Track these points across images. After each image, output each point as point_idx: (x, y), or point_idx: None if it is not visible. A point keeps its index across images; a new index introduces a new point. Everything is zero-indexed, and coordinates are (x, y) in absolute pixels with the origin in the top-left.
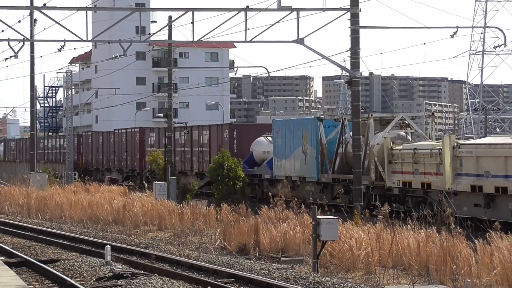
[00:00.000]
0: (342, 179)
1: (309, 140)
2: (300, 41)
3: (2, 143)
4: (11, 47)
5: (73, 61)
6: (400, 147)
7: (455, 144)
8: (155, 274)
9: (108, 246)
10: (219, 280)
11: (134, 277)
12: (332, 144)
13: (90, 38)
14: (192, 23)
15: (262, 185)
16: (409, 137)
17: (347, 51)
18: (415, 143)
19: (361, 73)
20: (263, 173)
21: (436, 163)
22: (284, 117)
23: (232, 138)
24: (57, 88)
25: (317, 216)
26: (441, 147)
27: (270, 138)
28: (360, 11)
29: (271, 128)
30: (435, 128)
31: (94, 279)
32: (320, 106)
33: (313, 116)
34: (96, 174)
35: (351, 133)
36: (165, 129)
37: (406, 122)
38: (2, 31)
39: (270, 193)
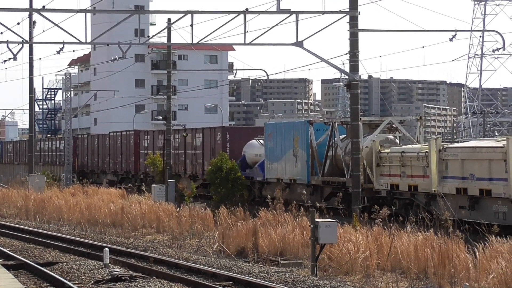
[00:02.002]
0: (332, 181)
1: (300, 143)
2: (299, 44)
3: None
4: (10, 49)
5: (72, 63)
6: (388, 150)
7: (441, 147)
8: (154, 277)
9: (106, 248)
10: (218, 283)
11: (132, 280)
12: (322, 147)
13: (89, 40)
14: (191, 25)
15: (254, 187)
16: (397, 140)
17: (346, 54)
18: (403, 147)
19: (360, 76)
20: (255, 175)
21: (422, 166)
22: (283, 119)
23: (224, 141)
24: (56, 90)
25: (316, 219)
26: (427, 150)
27: (262, 141)
28: (359, 14)
29: (263, 131)
30: (433, 131)
31: (93, 281)
32: (319, 109)
33: (303, 120)
34: (92, 176)
35: (340, 136)
36: (159, 132)
37: (395, 126)
38: (1, 33)
39: (269, 196)
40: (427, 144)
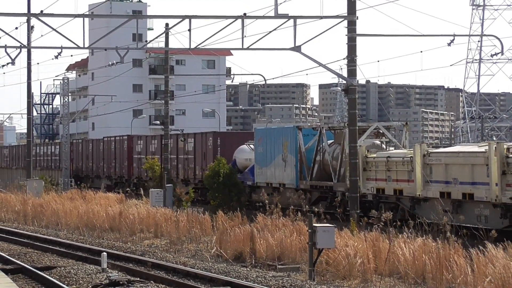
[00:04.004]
0: (320, 185)
1: (289, 148)
2: (297, 48)
3: None
4: (8, 54)
5: (70, 68)
6: (374, 155)
7: (426, 152)
8: (151, 282)
9: (104, 253)
10: (215, 287)
11: (130, 285)
12: (310, 152)
13: (87, 45)
14: (189, 30)
15: (244, 191)
16: (383, 145)
17: (344, 58)
18: (388, 152)
19: (357, 81)
20: (245, 180)
21: (407, 171)
22: (280, 125)
23: (216, 145)
24: (53, 95)
25: (314, 224)
26: (412, 155)
27: (252, 146)
28: (357, 19)
29: (253, 136)
30: (431, 136)
31: (90, 286)
32: (316, 114)
33: (292, 125)
34: (87, 181)
35: (328, 141)
36: (152, 137)
37: (381, 131)
38: None
39: (266, 201)
40: (412, 149)
